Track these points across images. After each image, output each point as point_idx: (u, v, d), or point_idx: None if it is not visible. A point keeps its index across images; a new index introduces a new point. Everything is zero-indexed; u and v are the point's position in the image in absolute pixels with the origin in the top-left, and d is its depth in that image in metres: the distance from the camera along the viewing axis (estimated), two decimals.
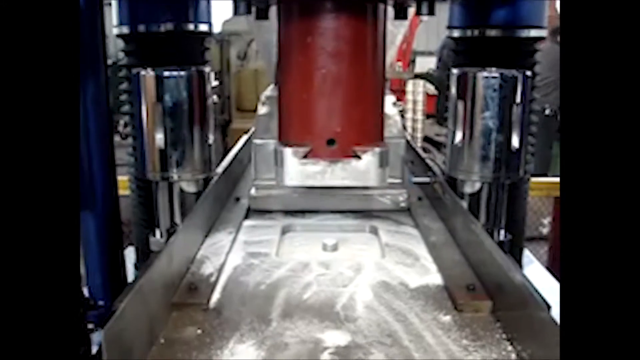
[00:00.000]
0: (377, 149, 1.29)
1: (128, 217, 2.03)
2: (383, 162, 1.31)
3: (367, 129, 1.32)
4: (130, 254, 2.13)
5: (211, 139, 1.63)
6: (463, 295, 1.22)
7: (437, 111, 8.63)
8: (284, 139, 1.35)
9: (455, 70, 1.55)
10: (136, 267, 2.07)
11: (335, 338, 1.08)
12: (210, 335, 1.09)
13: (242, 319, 1.15)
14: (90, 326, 1.85)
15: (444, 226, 1.64)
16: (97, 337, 1.82)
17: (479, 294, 1.23)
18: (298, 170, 1.30)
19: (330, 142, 1.30)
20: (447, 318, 1.16)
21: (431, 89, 8.01)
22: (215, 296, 1.25)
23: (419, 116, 7.19)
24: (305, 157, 1.30)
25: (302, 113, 1.31)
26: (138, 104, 1.53)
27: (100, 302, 2.01)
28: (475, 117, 1.50)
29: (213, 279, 1.30)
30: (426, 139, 7.15)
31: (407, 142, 2.01)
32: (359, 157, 1.30)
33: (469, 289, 1.24)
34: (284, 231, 1.71)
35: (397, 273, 1.38)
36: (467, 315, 1.17)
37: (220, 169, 1.87)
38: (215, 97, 1.70)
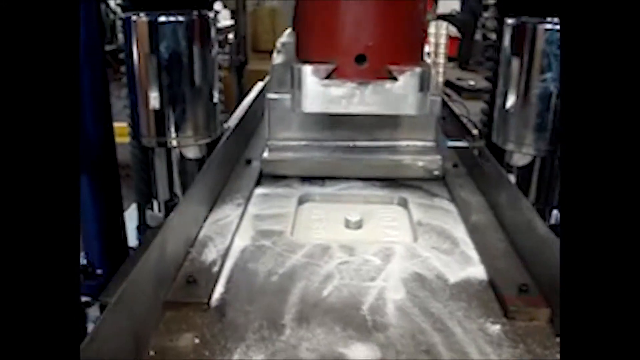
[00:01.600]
0: (418, 69, 1.06)
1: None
2: (424, 85, 1.07)
3: (406, 45, 1.08)
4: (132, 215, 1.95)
5: (216, 96, 1.39)
6: (514, 299, 1.01)
7: (460, 55, 8.32)
8: (304, 56, 1.11)
9: (510, 20, 1.28)
10: (139, 229, 1.90)
11: (361, 353, 0.89)
12: (210, 346, 0.90)
13: (249, 323, 0.96)
14: (85, 299, 1.69)
15: (485, 202, 1.42)
16: (93, 312, 1.67)
17: (534, 298, 1.02)
18: (319, 92, 1.08)
19: (360, 58, 1.06)
20: (495, 328, 0.96)
21: (453, 31, 7.66)
22: (218, 290, 1.05)
23: (441, 59, 6.95)
24: (328, 77, 1.07)
25: (326, 23, 1.06)
26: (129, 55, 1.28)
27: (99, 271, 1.85)
28: (532, 78, 1.24)
29: (216, 268, 1.10)
30: (447, 83, 6.88)
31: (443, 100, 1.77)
32: (394, 79, 1.06)
33: (521, 290, 1.03)
34: (301, 201, 1.49)
35: (433, 262, 1.17)
36: (520, 325, 0.97)
37: (231, 123, 1.65)
38: (230, 36, 1.47)
